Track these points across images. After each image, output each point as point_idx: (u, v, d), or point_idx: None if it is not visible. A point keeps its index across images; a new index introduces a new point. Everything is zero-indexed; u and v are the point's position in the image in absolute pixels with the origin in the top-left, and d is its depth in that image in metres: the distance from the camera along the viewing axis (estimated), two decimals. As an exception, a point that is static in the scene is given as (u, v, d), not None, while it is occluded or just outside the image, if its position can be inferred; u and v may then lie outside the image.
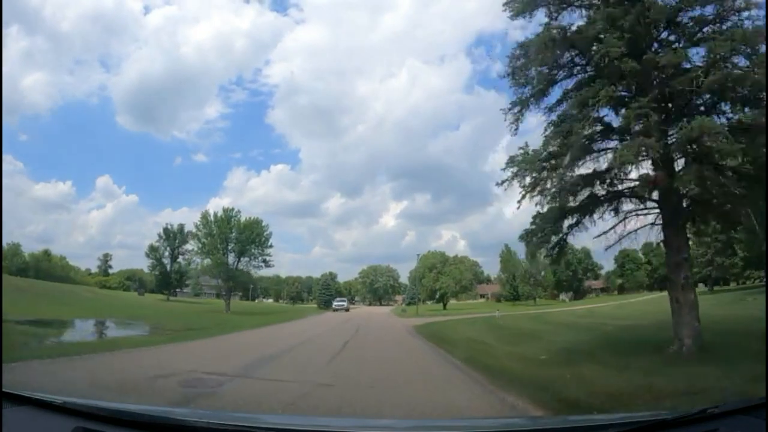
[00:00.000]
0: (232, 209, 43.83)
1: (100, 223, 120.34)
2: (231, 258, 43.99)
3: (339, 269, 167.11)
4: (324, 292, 75.07)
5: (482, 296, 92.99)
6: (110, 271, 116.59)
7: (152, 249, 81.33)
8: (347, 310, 51.70)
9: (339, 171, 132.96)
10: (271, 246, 44.94)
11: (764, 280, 37.77)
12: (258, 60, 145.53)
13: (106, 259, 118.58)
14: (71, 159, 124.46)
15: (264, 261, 44.71)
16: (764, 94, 8.14)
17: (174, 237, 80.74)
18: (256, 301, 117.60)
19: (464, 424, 3.29)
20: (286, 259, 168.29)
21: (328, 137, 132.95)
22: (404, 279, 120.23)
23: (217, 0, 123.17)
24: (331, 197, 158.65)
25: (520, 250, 71.22)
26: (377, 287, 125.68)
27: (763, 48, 8.24)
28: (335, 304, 55.11)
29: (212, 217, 43.42)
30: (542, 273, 64.84)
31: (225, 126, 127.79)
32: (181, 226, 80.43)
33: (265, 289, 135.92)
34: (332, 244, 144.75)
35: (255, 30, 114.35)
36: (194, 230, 44.21)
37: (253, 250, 43.58)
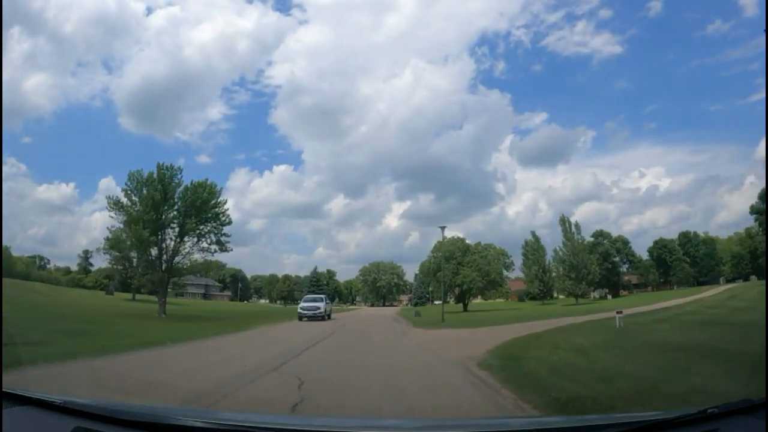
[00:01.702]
0: (172, 166, 29.97)
1: (103, 225, 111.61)
2: (171, 238, 29.91)
3: (342, 270, 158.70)
4: (313, 291, 59.84)
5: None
6: (91, 269, 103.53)
7: (118, 241, 66.75)
8: (327, 316, 28.75)
9: (342, 172, 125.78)
10: (228, 222, 30.95)
11: None
12: (261, 61, 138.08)
13: (86, 256, 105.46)
14: (74, 161, 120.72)
15: (218, 243, 30.68)
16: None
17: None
18: (245, 302, 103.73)
19: (464, 424, 2.97)
20: (290, 261, 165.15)
21: (332, 138, 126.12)
22: (408, 278, 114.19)
23: (220, 0, 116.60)
24: (334, 198, 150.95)
25: (548, 243, 57.82)
26: (380, 285, 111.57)
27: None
28: (302, 306, 29.24)
29: (146, 178, 29.36)
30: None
31: (228, 127, 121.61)
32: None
33: (258, 289, 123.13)
34: (335, 245, 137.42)
35: (258, 31, 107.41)
36: (121, 197, 29.71)
37: (198, 226, 29.46)
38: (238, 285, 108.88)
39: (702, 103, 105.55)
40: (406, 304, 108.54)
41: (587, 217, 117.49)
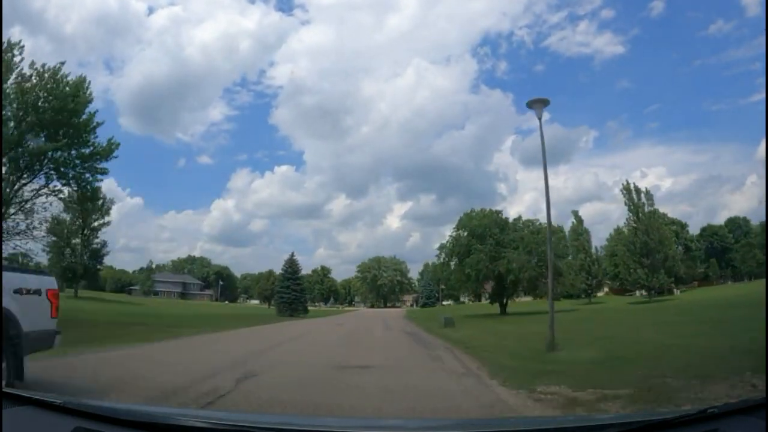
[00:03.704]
0: (9, 43, 15.44)
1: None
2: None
3: (343, 271, 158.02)
4: (287, 287, 40.94)
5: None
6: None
7: (56, 222, 52.09)
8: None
9: (343, 172, 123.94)
10: (108, 151, 16.29)
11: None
12: (263, 61, 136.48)
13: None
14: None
15: (77, 181, 15.96)
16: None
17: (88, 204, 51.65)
18: (225, 302, 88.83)
19: (464, 424, 2.85)
20: None
21: (333, 138, 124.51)
22: (412, 275, 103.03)
23: (222, 0, 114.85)
24: (335, 198, 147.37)
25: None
26: (381, 284, 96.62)
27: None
28: None
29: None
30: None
31: (229, 128, 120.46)
32: (96, 190, 52.06)
33: (246, 289, 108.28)
34: (336, 246, 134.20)
35: (260, 31, 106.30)
36: None
37: (35, 141, 14.68)
38: (219, 283, 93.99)
39: (704, 103, 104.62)
40: (411, 305, 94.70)
41: (588, 217, 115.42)
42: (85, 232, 52.33)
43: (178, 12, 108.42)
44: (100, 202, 52.76)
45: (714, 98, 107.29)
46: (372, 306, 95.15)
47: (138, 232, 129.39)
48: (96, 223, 51.40)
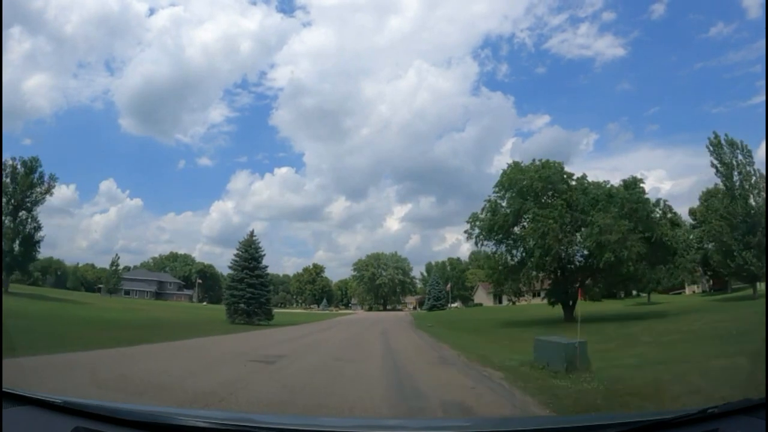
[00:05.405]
0: None
1: (104, 228, 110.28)
2: None
3: (342, 274, 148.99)
4: (240, 280, 28.10)
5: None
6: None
7: None
8: None
9: (343, 174, 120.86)
10: None
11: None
12: (263, 62, 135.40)
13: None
14: (75, 163, 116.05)
15: None
16: None
17: (22, 178, 41.76)
18: (203, 304, 78.05)
19: (465, 424, 3.07)
20: (290, 263, 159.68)
21: (333, 140, 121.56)
22: (414, 275, 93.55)
23: (223, 0, 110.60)
24: (335, 201, 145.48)
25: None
26: (380, 283, 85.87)
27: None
28: None
29: None
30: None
31: (229, 129, 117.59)
32: (33, 160, 42.03)
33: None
34: (336, 248, 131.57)
35: (261, 32, 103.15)
36: None
37: None
38: (196, 282, 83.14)
39: (704, 105, 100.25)
40: (414, 308, 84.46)
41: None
42: (20, 213, 42.09)
43: (178, 13, 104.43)
44: (37, 175, 43.12)
45: (714, 101, 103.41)
46: (370, 309, 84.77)
47: (137, 233, 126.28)
48: (28, 202, 41.15)
